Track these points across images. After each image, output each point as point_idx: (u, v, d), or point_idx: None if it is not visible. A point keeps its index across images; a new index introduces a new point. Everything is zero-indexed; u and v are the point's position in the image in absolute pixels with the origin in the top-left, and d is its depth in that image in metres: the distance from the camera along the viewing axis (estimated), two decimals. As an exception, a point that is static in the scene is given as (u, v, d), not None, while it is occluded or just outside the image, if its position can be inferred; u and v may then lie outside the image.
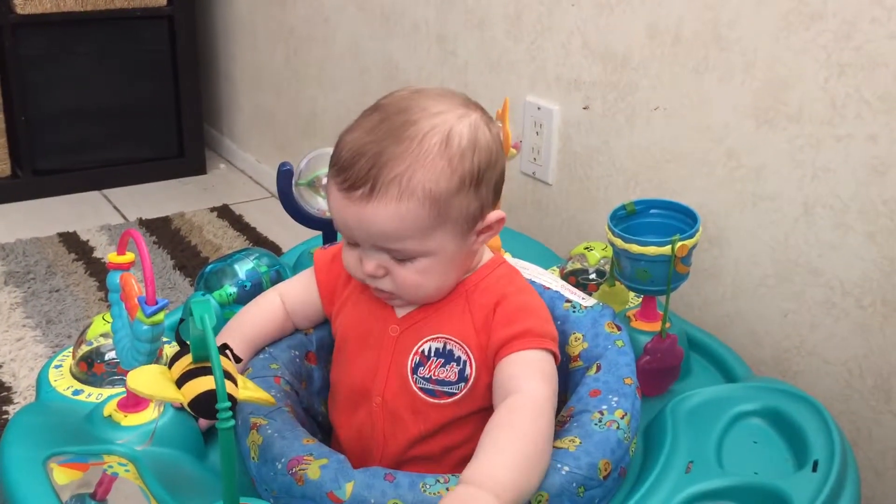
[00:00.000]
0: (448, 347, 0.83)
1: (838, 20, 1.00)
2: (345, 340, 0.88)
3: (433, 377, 0.82)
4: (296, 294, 0.92)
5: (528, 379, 0.77)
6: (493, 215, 0.82)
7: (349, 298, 0.89)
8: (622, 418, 0.79)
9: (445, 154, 0.76)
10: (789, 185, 1.09)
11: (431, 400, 0.82)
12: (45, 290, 1.78)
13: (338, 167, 0.78)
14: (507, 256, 1.03)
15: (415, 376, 0.83)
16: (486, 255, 0.88)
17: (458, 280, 0.84)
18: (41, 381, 0.91)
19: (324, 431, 0.92)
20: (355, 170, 0.76)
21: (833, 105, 1.02)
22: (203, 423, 0.84)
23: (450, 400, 0.82)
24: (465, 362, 0.82)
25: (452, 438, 0.83)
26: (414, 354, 0.83)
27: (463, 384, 0.82)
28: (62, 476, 0.72)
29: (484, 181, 0.79)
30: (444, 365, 0.82)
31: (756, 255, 1.14)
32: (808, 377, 1.11)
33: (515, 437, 0.72)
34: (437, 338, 0.83)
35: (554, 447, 0.75)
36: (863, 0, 0.97)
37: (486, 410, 0.81)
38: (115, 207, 2.26)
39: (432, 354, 0.83)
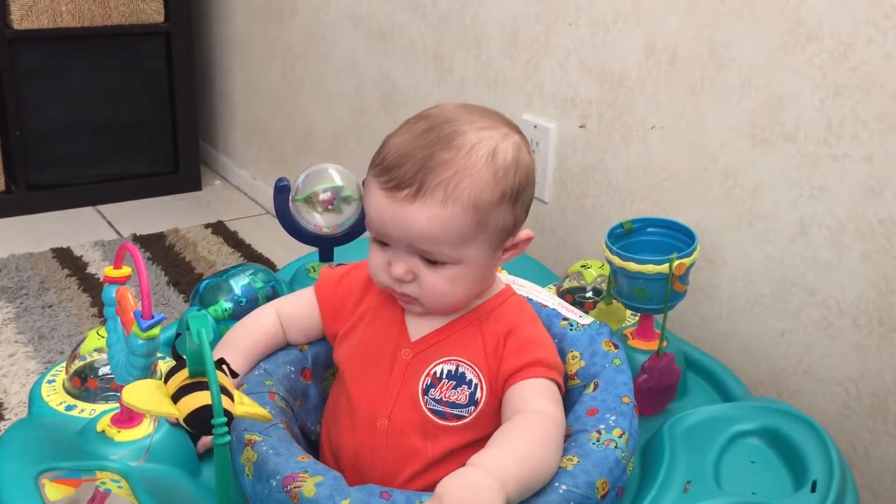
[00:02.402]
0: (461, 370, 0.83)
1: (834, 41, 1.01)
2: (351, 362, 0.88)
3: (444, 399, 0.83)
4: (293, 307, 0.92)
5: (540, 401, 0.80)
6: (523, 234, 0.85)
7: (360, 321, 0.89)
8: (620, 437, 0.79)
9: (491, 167, 0.79)
10: (785, 204, 1.09)
11: (441, 422, 0.82)
12: (38, 305, 1.77)
13: (382, 167, 0.79)
14: (504, 274, 1.02)
15: (426, 397, 0.83)
16: (499, 283, 0.89)
17: (477, 295, 0.85)
18: (34, 397, 0.90)
19: (317, 451, 0.91)
20: (402, 171, 0.77)
21: (829, 125, 1.02)
22: (201, 444, 0.83)
23: (459, 423, 0.82)
24: (476, 385, 0.83)
25: (458, 467, 0.82)
26: (426, 376, 0.83)
27: (473, 407, 0.82)
28: (54, 492, 0.71)
29: (521, 199, 0.82)
30: (455, 387, 0.83)
31: (752, 274, 1.14)
32: (805, 397, 1.10)
33: (526, 437, 0.74)
34: (450, 360, 0.83)
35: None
36: (858, 21, 0.98)
37: None
38: (109, 223, 2.26)
39: (444, 376, 0.83)
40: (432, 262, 0.80)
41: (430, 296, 0.82)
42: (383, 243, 0.82)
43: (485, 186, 0.78)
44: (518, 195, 0.81)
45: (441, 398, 0.83)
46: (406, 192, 0.77)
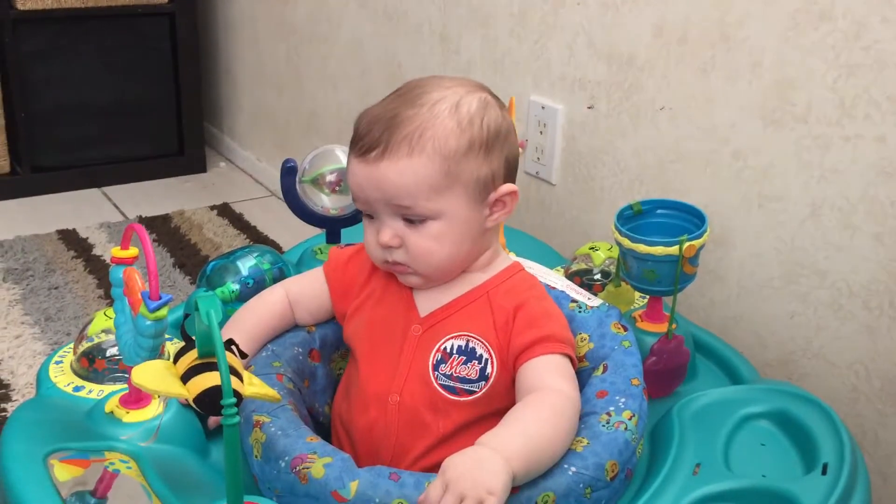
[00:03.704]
0: (471, 345, 0.83)
1: (847, 20, 0.99)
2: (362, 340, 0.88)
3: (454, 374, 0.83)
4: (301, 287, 0.92)
5: (554, 378, 0.80)
6: (505, 187, 0.85)
7: (368, 299, 0.89)
8: (630, 419, 0.78)
9: (455, 116, 0.81)
10: (796, 185, 1.08)
11: (452, 397, 0.82)
12: (44, 287, 1.77)
13: (355, 138, 0.83)
14: (512, 256, 1.02)
15: (436, 373, 0.83)
16: (506, 259, 0.90)
17: (470, 256, 0.85)
18: (41, 378, 0.90)
19: (325, 432, 0.91)
20: (371, 135, 0.81)
21: (842, 105, 1.01)
22: (212, 421, 0.83)
23: (470, 398, 0.82)
24: (486, 360, 0.82)
25: (470, 442, 0.82)
26: (436, 352, 0.83)
27: (483, 382, 0.82)
28: (63, 472, 0.71)
29: (495, 149, 0.83)
30: (465, 362, 0.83)
31: (762, 257, 1.14)
32: (814, 379, 1.10)
33: (535, 415, 0.75)
34: (460, 335, 0.84)
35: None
36: (872, 0, 0.97)
37: (504, 412, 0.80)
38: (114, 205, 2.25)
39: (454, 352, 0.83)
40: (414, 222, 0.81)
41: (419, 257, 0.82)
42: (371, 217, 0.84)
43: (449, 135, 0.80)
44: (489, 145, 0.82)
45: (451, 373, 0.83)
46: (375, 153, 0.80)
